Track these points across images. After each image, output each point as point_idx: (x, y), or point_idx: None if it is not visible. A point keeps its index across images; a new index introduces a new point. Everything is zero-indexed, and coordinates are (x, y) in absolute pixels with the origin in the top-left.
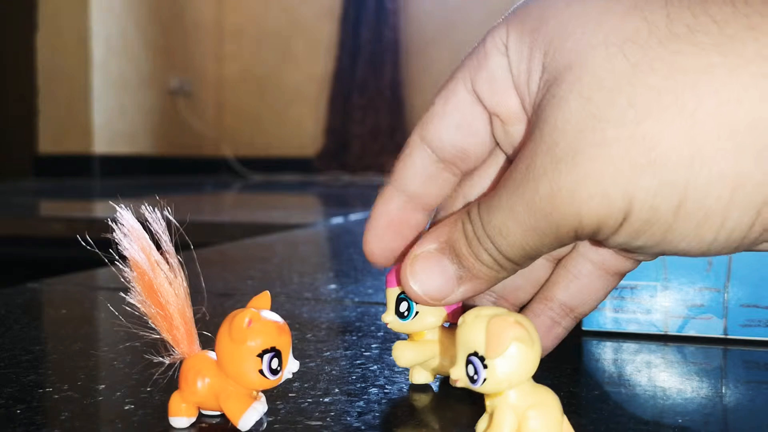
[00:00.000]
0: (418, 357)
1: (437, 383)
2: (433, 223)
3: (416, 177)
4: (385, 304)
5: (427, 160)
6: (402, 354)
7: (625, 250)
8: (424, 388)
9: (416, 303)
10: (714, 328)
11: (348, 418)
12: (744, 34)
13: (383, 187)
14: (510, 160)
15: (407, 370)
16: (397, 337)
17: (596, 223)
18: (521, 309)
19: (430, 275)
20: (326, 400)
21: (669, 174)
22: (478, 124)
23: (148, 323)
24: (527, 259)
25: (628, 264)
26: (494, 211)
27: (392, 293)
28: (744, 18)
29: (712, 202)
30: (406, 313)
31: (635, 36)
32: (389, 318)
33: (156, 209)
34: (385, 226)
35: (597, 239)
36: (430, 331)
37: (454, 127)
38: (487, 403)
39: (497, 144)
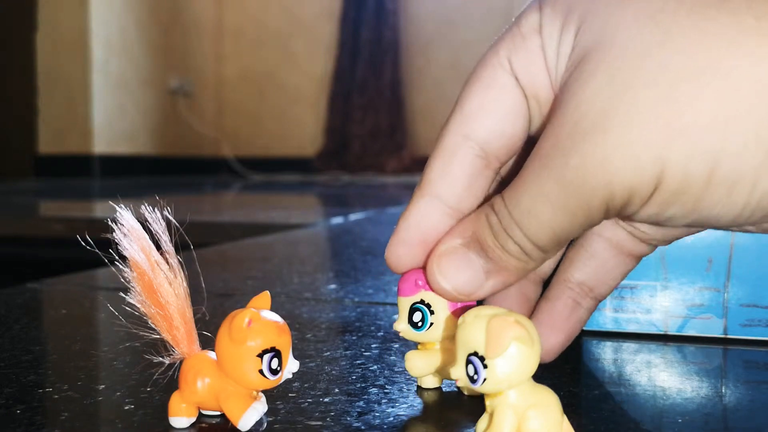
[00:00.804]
0: (430, 367)
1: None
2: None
3: (459, 182)
4: (383, 304)
5: (470, 159)
6: (414, 365)
7: (655, 223)
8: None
9: (446, 299)
10: (714, 328)
11: (348, 418)
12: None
13: (415, 195)
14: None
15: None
16: (396, 337)
17: (628, 193)
18: (543, 289)
19: (457, 271)
20: (326, 400)
21: (703, 137)
22: (519, 108)
23: (148, 323)
24: (556, 244)
25: (643, 247)
26: (521, 194)
27: (404, 302)
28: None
29: (744, 166)
30: (420, 324)
31: (664, 7)
32: (402, 327)
33: (156, 209)
34: (419, 241)
35: (626, 214)
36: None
37: (502, 116)
38: (487, 403)
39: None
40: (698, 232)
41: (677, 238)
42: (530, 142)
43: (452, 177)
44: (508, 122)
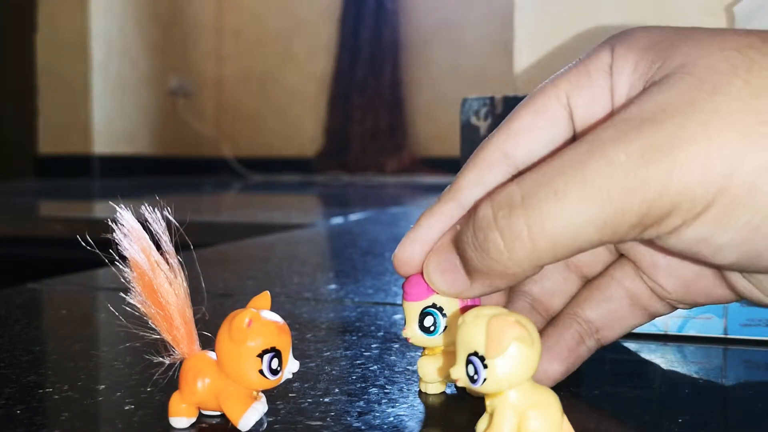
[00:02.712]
0: (443, 370)
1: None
2: None
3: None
4: (383, 304)
5: (504, 175)
6: (428, 372)
7: (697, 255)
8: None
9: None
10: (714, 328)
11: (348, 418)
12: None
13: (443, 197)
14: None
15: (407, 370)
16: (396, 337)
17: (684, 195)
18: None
19: (441, 271)
20: (326, 400)
21: None
22: (564, 140)
23: (148, 323)
24: (550, 256)
25: (659, 306)
26: (549, 176)
27: (412, 307)
28: None
29: None
30: (432, 328)
31: (749, 43)
32: (411, 333)
33: (156, 209)
34: (443, 244)
35: (669, 229)
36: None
37: (544, 143)
38: (487, 403)
39: None
40: (726, 301)
41: (698, 304)
42: None
43: (482, 189)
44: (546, 150)
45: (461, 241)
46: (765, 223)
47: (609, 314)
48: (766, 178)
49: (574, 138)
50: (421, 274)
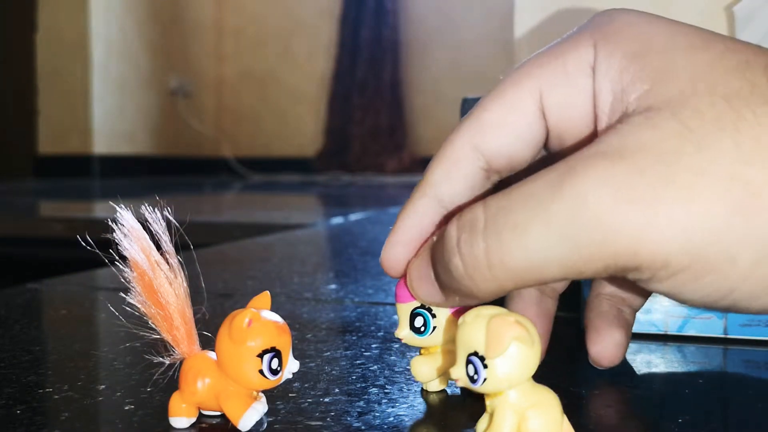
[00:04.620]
0: (435, 371)
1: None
2: None
3: (460, 188)
4: (383, 304)
5: (474, 169)
6: (420, 371)
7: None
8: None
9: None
10: (714, 328)
11: (348, 418)
12: None
13: (415, 195)
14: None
15: (407, 370)
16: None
17: (660, 255)
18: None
19: (418, 279)
20: (326, 400)
21: (763, 226)
22: (537, 137)
23: (148, 323)
24: (511, 284)
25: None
26: (516, 204)
27: (404, 308)
28: None
29: None
30: (422, 329)
31: (739, 92)
32: (403, 333)
33: (156, 209)
34: (417, 242)
35: (639, 277)
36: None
37: (514, 138)
38: (487, 403)
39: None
40: None
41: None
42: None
43: (454, 183)
44: (520, 147)
45: (434, 256)
46: (737, 289)
47: (623, 285)
48: (747, 253)
49: (547, 140)
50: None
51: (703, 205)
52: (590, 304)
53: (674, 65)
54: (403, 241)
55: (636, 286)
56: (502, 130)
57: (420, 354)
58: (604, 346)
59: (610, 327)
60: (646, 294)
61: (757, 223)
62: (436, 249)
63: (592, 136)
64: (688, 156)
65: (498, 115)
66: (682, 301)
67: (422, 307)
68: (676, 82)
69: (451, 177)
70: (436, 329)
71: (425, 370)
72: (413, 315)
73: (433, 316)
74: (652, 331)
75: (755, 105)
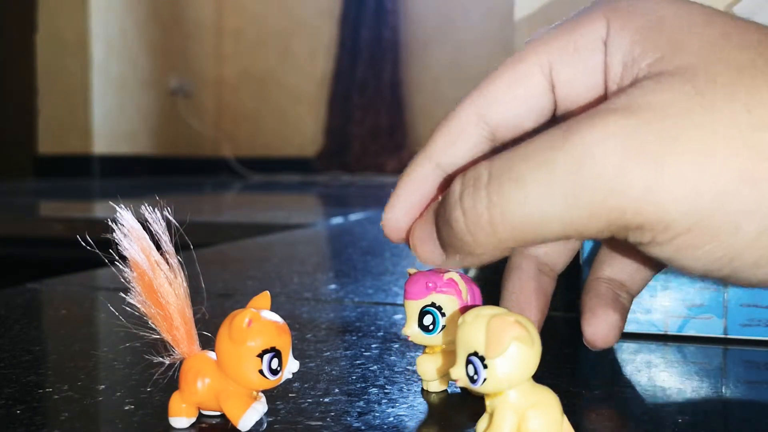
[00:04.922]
0: (442, 370)
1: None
2: None
3: (462, 155)
4: (383, 304)
5: (478, 138)
6: (427, 370)
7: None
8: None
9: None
10: (714, 328)
11: (348, 418)
12: None
13: (416, 161)
14: None
15: (407, 370)
16: (396, 337)
17: (658, 218)
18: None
19: (420, 239)
20: (326, 400)
21: None
22: (545, 111)
23: (148, 323)
24: (512, 242)
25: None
26: (521, 158)
27: (412, 305)
28: None
29: None
30: (431, 327)
31: (751, 62)
32: (410, 331)
33: (156, 209)
34: (419, 206)
35: (639, 240)
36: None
37: (522, 110)
38: (487, 403)
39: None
40: None
41: (719, 279)
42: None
43: (457, 151)
44: (526, 119)
45: (437, 213)
46: (738, 258)
47: (623, 269)
48: (752, 222)
49: (554, 115)
50: (429, 272)
51: (712, 165)
52: (588, 287)
53: (687, 38)
54: (404, 205)
55: (636, 269)
56: (510, 102)
57: (424, 353)
58: (599, 327)
59: (606, 308)
60: (645, 279)
61: (766, 192)
62: (440, 206)
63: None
64: (699, 116)
65: (505, 88)
66: (681, 268)
67: (432, 305)
68: (689, 52)
69: (454, 145)
70: (445, 328)
71: (431, 369)
72: (422, 313)
73: (443, 314)
74: (652, 331)
75: None
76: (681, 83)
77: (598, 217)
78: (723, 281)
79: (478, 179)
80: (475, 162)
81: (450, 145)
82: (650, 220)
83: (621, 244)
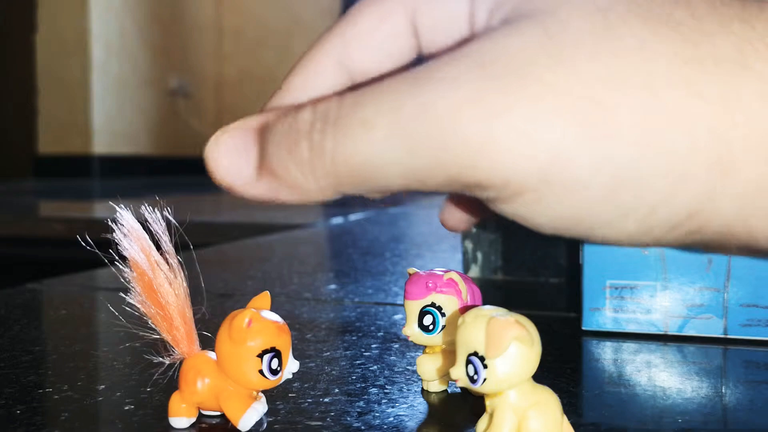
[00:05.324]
0: (442, 370)
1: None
2: None
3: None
4: (383, 304)
5: (335, 81)
6: (427, 370)
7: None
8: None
9: (217, 183)
10: (714, 328)
11: (348, 418)
12: (718, 30)
13: (268, 105)
14: None
15: (407, 370)
16: (396, 337)
17: (494, 174)
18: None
19: (228, 150)
20: (326, 400)
21: (615, 151)
22: (405, 55)
23: (148, 323)
24: (349, 185)
25: None
26: (367, 99)
27: (412, 305)
28: (719, 16)
29: (647, 194)
30: (431, 327)
31: (613, 4)
32: (410, 331)
33: (156, 209)
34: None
35: (484, 196)
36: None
37: (382, 56)
38: (487, 403)
39: None
40: None
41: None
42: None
43: (311, 93)
44: (385, 62)
45: (270, 131)
46: (591, 215)
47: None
48: (600, 179)
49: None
50: (430, 273)
51: (551, 123)
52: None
53: None
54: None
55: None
56: (371, 41)
57: (424, 353)
58: (452, 217)
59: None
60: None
61: (611, 148)
62: (276, 124)
63: None
64: (542, 68)
65: (368, 24)
66: (534, 227)
67: (432, 305)
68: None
69: (309, 88)
70: (444, 329)
71: (431, 369)
72: (422, 313)
73: (443, 315)
74: (652, 331)
75: (631, 20)
76: (533, 27)
77: (437, 170)
78: (581, 237)
79: (328, 113)
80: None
81: (304, 89)
82: (488, 177)
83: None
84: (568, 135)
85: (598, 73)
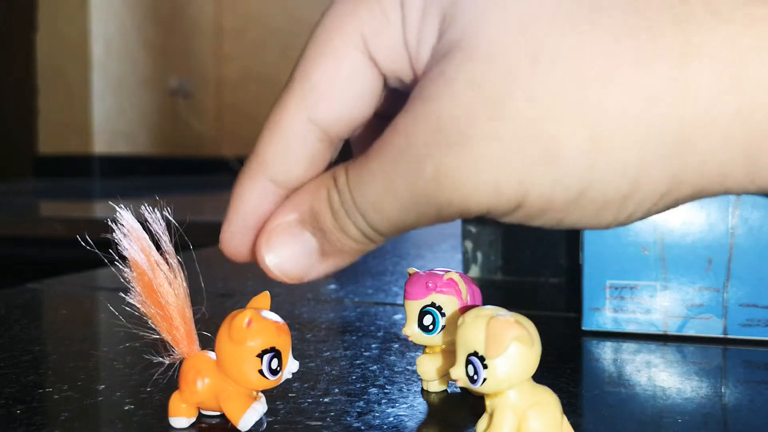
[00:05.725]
0: (442, 369)
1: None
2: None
3: (298, 164)
4: (383, 304)
5: (312, 143)
6: (427, 370)
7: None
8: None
9: (275, 279)
10: (713, 328)
11: (348, 418)
12: (664, 28)
13: (246, 175)
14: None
15: (407, 370)
16: (396, 337)
17: (486, 210)
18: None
19: (289, 249)
20: (326, 400)
21: (568, 168)
22: (374, 87)
23: (147, 323)
24: (400, 231)
25: None
26: (368, 184)
27: (413, 305)
28: (667, 12)
29: (612, 193)
30: (431, 327)
31: (539, 14)
32: (410, 331)
33: (156, 209)
34: (255, 229)
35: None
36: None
37: (349, 98)
38: (487, 403)
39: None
40: None
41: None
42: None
43: (290, 161)
44: (358, 106)
45: (320, 221)
46: (566, 217)
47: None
48: (557, 192)
49: (385, 83)
50: (430, 273)
51: (507, 165)
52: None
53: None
54: (241, 229)
55: None
56: (335, 90)
57: (424, 353)
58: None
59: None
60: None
61: (558, 170)
62: (321, 214)
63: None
64: (483, 121)
65: (327, 71)
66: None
67: (432, 305)
68: (469, 17)
69: (285, 156)
70: (444, 329)
71: (431, 369)
72: (422, 313)
73: (443, 315)
74: (652, 331)
75: (557, 36)
76: (459, 80)
77: (443, 215)
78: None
79: (344, 197)
80: (314, 177)
81: (280, 157)
82: (472, 211)
83: None
84: (524, 159)
85: (531, 113)
